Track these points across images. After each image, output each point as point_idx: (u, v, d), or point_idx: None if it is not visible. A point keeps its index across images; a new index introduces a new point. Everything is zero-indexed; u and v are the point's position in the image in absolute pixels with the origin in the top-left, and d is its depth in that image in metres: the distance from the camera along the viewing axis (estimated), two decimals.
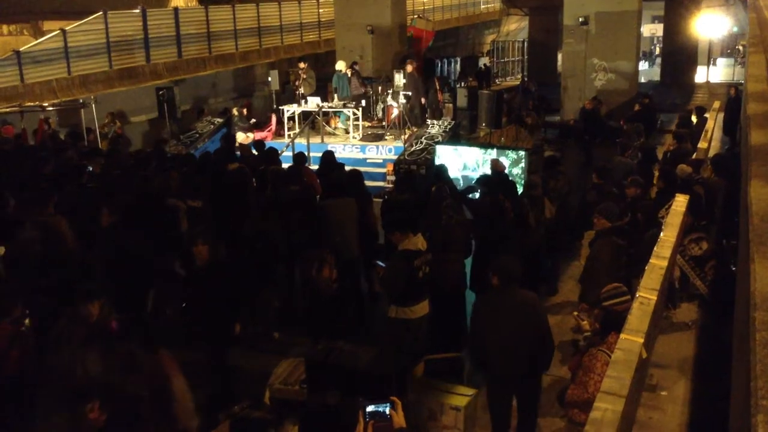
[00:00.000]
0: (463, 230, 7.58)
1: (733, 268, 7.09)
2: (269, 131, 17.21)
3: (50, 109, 15.08)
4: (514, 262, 5.70)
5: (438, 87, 18.66)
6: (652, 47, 44.93)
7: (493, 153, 11.80)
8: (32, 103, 15.37)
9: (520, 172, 11.43)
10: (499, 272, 5.45)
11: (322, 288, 6.94)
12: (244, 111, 17.31)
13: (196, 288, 6.42)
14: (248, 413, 5.36)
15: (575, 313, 6.32)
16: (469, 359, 5.91)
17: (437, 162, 12.14)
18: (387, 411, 2.94)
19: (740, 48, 35.16)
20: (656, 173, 9.77)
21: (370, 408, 2.94)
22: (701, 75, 30.32)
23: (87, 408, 3.97)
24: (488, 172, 10.42)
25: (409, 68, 16.81)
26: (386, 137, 16.47)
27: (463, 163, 12.18)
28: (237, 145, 16.00)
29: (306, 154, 12.04)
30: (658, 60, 36.31)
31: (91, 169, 9.99)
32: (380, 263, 7.12)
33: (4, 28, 28.19)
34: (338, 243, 7.79)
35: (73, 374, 3.70)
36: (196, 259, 6.38)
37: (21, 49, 17.05)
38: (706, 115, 15.42)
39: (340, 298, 7.05)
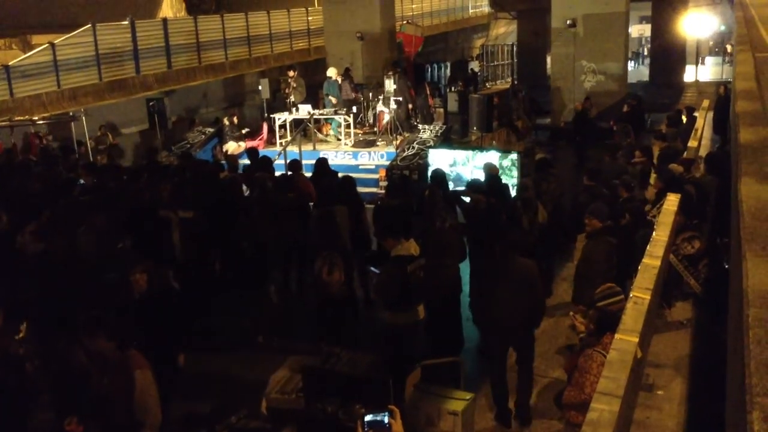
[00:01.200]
0: (457, 234, 7.59)
1: (726, 266, 7.11)
2: (261, 140, 17.21)
3: (40, 122, 15.04)
4: (515, 232, 6.80)
5: (429, 92, 18.70)
6: (641, 48, 45.13)
7: (484, 152, 11.91)
8: (22, 118, 15.32)
9: (510, 164, 11.51)
10: (502, 241, 6.28)
11: (334, 291, 6.98)
12: (234, 120, 17.30)
13: (136, 319, 5.87)
14: (245, 423, 5.36)
15: (572, 313, 6.34)
16: (471, 315, 6.70)
17: (430, 165, 12.21)
18: (386, 420, 2.93)
19: (728, 47, 35.34)
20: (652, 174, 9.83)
21: (368, 417, 2.93)
22: (690, 74, 30.47)
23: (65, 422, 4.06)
24: (478, 165, 10.49)
25: (396, 76, 16.81)
26: (378, 143, 16.49)
27: (453, 158, 12.27)
28: (228, 153, 16.07)
29: (300, 161, 12.01)
30: (647, 60, 36.52)
31: (82, 182, 9.97)
32: (374, 269, 7.13)
33: None
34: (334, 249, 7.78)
35: None
36: (134, 288, 5.98)
37: (10, 63, 17.01)
38: (696, 113, 15.49)
39: (345, 302, 7.09)
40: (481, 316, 6.49)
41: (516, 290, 6.06)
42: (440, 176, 9.54)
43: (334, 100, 17.41)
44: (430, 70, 23.97)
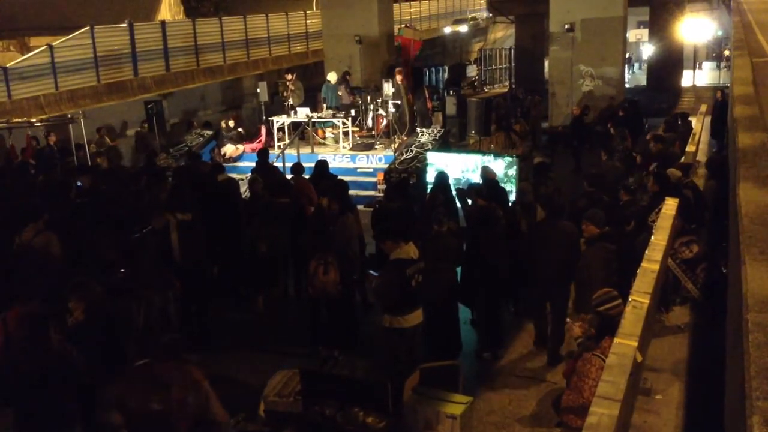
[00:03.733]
0: (455, 238, 7.59)
1: (724, 271, 7.11)
2: (259, 143, 17.19)
3: (38, 124, 15.02)
4: (559, 197, 8.05)
5: (427, 95, 18.70)
6: (639, 52, 45.24)
7: (488, 158, 11.80)
8: (20, 119, 15.30)
9: (514, 173, 11.46)
10: (548, 206, 7.53)
11: (330, 291, 6.98)
12: (231, 123, 17.27)
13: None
14: (243, 426, 5.34)
15: (567, 320, 6.35)
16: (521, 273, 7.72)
17: (430, 169, 12.16)
18: None
19: (726, 52, 35.43)
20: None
21: None
22: (687, 79, 30.52)
23: None
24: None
25: (399, 78, 16.82)
26: (376, 146, 16.49)
27: (464, 164, 12.14)
28: (226, 156, 16.08)
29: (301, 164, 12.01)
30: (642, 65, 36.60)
31: (80, 184, 9.96)
32: (372, 272, 7.14)
33: None
34: (346, 258, 7.73)
35: None
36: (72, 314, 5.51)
37: (8, 65, 16.99)
38: (690, 119, 15.50)
39: (342, 303, 7.10)
40: (527, 271, 7.51)
41: (558, 248, 7.03)
42: (443, 179, 9.54)
43: (324, 108, 17.33)
44: (428, 73, 23.99)
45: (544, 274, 7.18)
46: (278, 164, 14.05)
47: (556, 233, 7.20)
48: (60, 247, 7.27)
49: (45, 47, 17.63)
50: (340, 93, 17.76)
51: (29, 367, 4.75)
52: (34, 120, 15.32)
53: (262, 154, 11.84)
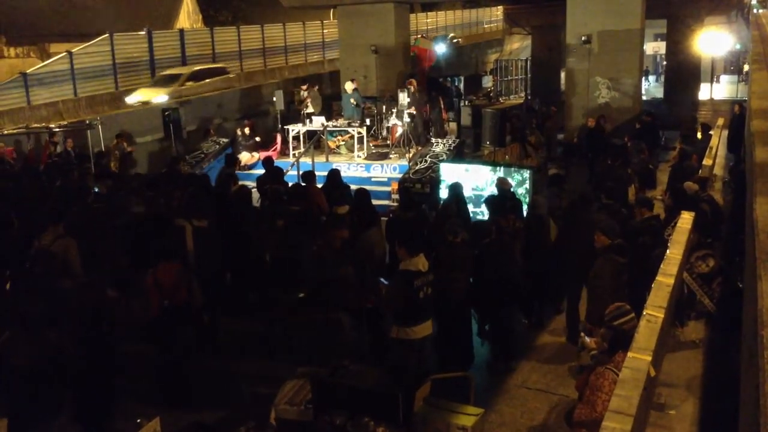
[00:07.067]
0: (469, 249, 7.57)
1: (741, 285, 7.05)
2: (274, 150, 17.29)
3: (57, 130, 15.18)
4: (589, 192, 9.15)
5: (443, 106, 18.72)
6: (656, 64, 45.02)
7: (500, 171, 11.71)
8: (39, 125, 15.47)
9: (524, 192, 11.37)
10: (579, 198, 8.52)
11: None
12: (247, 131, 17.38)
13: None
14: None
15: (582, 334, 6.32)
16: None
17: (443, 180, 12.13)
18: None
19: (745, 66, 35.20)
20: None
21: None
22: (705, 92, 30.33)
23: None
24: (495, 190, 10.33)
25: (412, 88, 16.85)
26: (391, 156, 16.52)
27: (474, 182, 12.06)
28: (241, 164, 16.13)
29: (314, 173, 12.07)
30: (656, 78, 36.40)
31: (97, 190, 10.04)
32: (383, 281, 7.13)
33: (11, 51, 28.44)
34: (367, 271, 7.72)
35: None
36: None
37: (28, 72, 17.22)
38: (711, 132, 15.42)
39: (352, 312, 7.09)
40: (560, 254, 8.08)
41: (587, 234, 7.31)
42: (457, 190, 9.52)
43: (343, 120, 17.38)
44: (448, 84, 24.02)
45: (578, 253, 7.53)
46: (293, 172, 14.10)
47: (586, 220, 7.79)
48: (78, 251, 7.32)
49: (64, 54, 17.87)
50: (352, 101, 17.84)
51: (26, 361, 4.89)
52: (52, 125, 15.50)
53: (268, 163, 11.91)
